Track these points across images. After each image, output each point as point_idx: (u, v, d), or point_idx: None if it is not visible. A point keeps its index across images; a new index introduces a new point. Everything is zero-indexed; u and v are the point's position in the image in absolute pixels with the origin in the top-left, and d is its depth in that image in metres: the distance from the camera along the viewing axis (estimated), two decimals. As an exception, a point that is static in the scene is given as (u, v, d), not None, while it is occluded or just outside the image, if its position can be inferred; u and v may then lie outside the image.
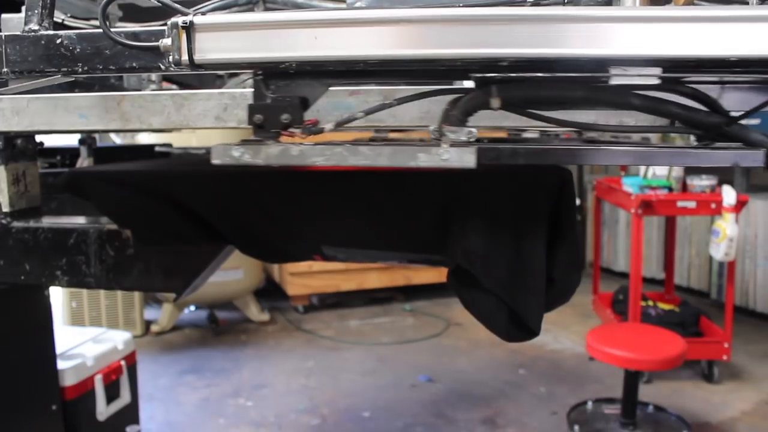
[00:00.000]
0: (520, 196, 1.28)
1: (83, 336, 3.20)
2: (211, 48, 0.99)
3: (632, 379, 3.39)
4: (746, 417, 3.79)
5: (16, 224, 1.78)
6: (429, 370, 4.45)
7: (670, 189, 4.14)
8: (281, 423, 3.79)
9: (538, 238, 1.28)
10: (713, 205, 3.94)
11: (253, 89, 1.09)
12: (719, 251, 3.86)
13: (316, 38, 0.95)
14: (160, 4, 1.05)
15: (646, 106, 1.04)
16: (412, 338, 5.11)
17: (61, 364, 2.84)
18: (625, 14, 0.88)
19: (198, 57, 1.00)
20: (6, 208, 1.77)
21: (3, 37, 1.15)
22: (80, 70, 1.13)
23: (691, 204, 3.99)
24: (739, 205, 3.86)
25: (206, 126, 1.29)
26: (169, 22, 1.01)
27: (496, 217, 1.28)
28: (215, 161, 1.05)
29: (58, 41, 1.13)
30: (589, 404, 3.69)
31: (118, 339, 3.21)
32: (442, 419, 3.80)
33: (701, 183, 4.10)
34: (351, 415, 3.89)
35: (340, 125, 1.13)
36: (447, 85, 1.27)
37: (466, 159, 0.98)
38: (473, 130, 1.03)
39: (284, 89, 1.10)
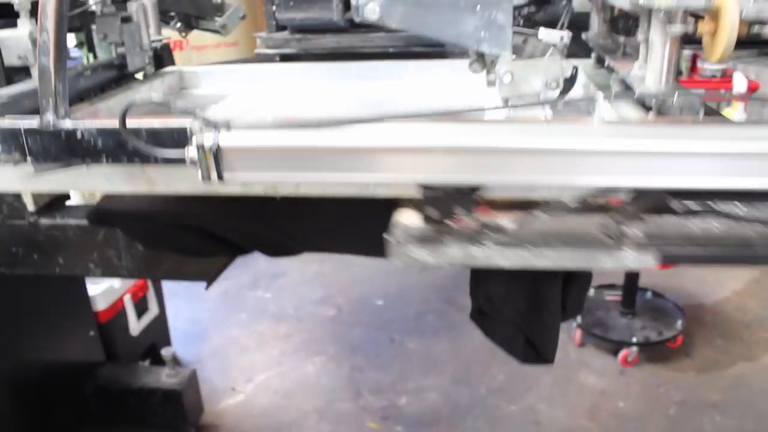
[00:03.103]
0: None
1: (108, 259, 3.33)
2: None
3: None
4: (736, 296, 4.01)
5: (44, 221, 1.82)
6: (437, 254, 4.62)
7: (680, 73, 4.07)
8: (300, 315, 4.03)
9: (555, 283, 1.34)
10: (722, 92, 3.89)
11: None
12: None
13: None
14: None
15: None
16: (419, 216, 5.24)
17: (91, 290, 2.99)
18: None
19: (227, 176, 1.03)
20: (31, 207, 1.81)
21: (23, 130, 1.15)
22: (104, 161, 1.15)
23: (699, 92, 3.94)
24: (749, 93, 3.82)
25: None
26: (193, 142, 1.02)
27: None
28: (394, 259, 1.06)
29: (79, 136, 1.13)
30: (591, 291, 3.88)
31: (141, 258, 3.34)
32: (452, 306, 4.01)
33: (711, 67, 4.03)
34: (365, 304, 4.12)
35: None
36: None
37: (647, 261, 1.01)
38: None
39: None
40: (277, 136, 1.00)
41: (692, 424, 3.07)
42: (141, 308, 3.29)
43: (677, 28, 1.13)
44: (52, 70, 1.11)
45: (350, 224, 1.55)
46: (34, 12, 1.54)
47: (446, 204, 1.06)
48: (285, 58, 2.31)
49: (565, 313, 1.42)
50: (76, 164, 1.16)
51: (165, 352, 2.96)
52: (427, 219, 1.07)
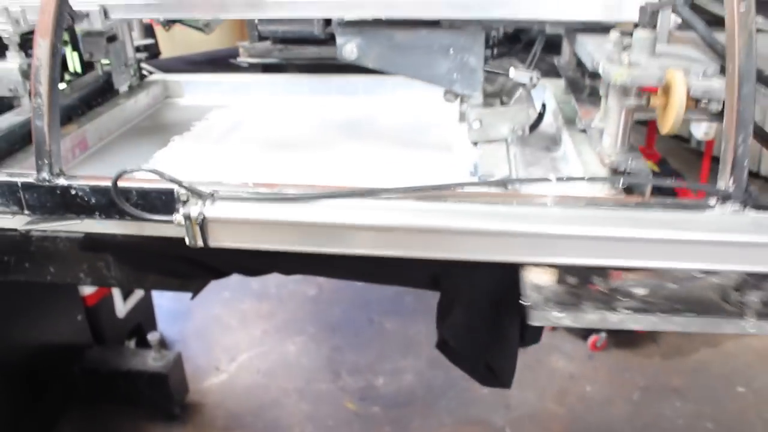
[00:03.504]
0: (500, 281, 1.42)
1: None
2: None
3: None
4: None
5: (35, 233, 1.90)
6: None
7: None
8: (281, 294, 4.14)
9: (514, 320, 1.45)
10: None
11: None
12: (700, 130, 3.98)
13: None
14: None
15: None
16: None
17: (78, 276, 3.07)
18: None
19: (213, 243, 1.12)
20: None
21: (19, 185, 1.23)
22: (97, 216, 1.23)
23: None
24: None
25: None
26: (180, 211, 1.11)
27: (479, 301, 1.44)
28: (534, 323, 1.11)
29: (73, 192, 1.21)
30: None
31: (126, 243, 3.42)
32: (429, 287, 4.12)
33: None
34: (345, 284, 4.22)
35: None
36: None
37: (766, 329, 1.06)
38: None
39: None
40: (261, 210, 1.09)
41: (653, 409, 3.23)
42: (127, 290, 3.38)
43: (631, 101, 1.22)
44: (46, 132, 1.17)
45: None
46: (22, 45, 1.60)
47: (584, 271, 1.13)
48: (267, 67, 2.37)
49: (523, 342, 1.53)
50: (71, 218, 1.24)
51: (151, 336, 3.06)
52: (563, 282, 1.13)
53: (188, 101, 2.19)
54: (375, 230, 1.05)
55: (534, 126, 1.56)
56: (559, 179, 1.09)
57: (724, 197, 1.05)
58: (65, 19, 1.21)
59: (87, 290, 3.10)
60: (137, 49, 2.25)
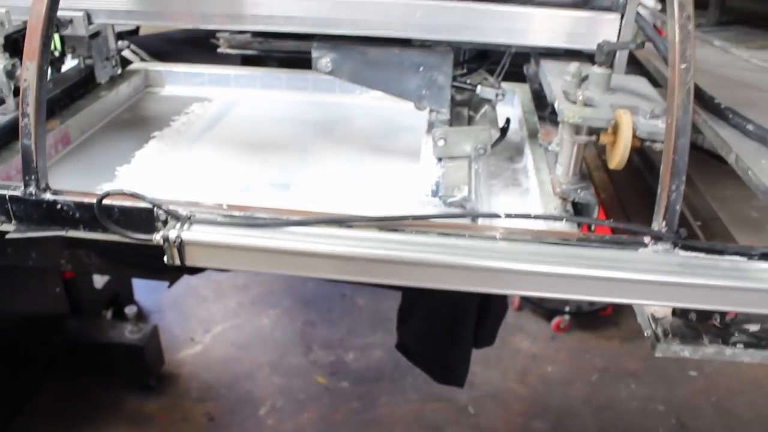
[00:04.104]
0: (457, 298, 1.54)
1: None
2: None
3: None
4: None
5: (17, 220, 1.97)
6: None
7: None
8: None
9: (469, 322, 1.57)
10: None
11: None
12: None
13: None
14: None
15: None
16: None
17: (57, 249, 3.14)
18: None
19: (190, 263, 1.20)
20: (4, 212, 1.94)
21: (7, 197, 1.30)
22: (82, 229, 1.31)
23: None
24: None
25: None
26: (160, 232, 1.19)
27: (437, 307, 1.55)
28: (658, 354, 1.21)
29: (58, 207, 1.29)
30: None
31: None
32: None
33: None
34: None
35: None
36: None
37: None
38: None
39: None
40: (233, 234, 1.17)
41: (610, 391, 3.40)
42: (105, 264, 3.45)
43: (582, 138, 1.31)
44: (34, 150, 1.24)
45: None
46: (7, 46, 1.65)
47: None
48: (246, 58, 2.42)
49: (477, 344, 1.65)
50: (56, 230, 1.32)
51: (128, 310, 3.16)
52: (680, 316, 1.23)
53: (168, 91, 2.25)
54: (339, 258, 1.14)
55: (496, 142, 1.65)
56: (508, 215, 1.18)
57: (657, 238, 1.15)
58: (52, 41, 1.26)
59: (66, 262, 3.17)
60: (119, 36, 2.30)
